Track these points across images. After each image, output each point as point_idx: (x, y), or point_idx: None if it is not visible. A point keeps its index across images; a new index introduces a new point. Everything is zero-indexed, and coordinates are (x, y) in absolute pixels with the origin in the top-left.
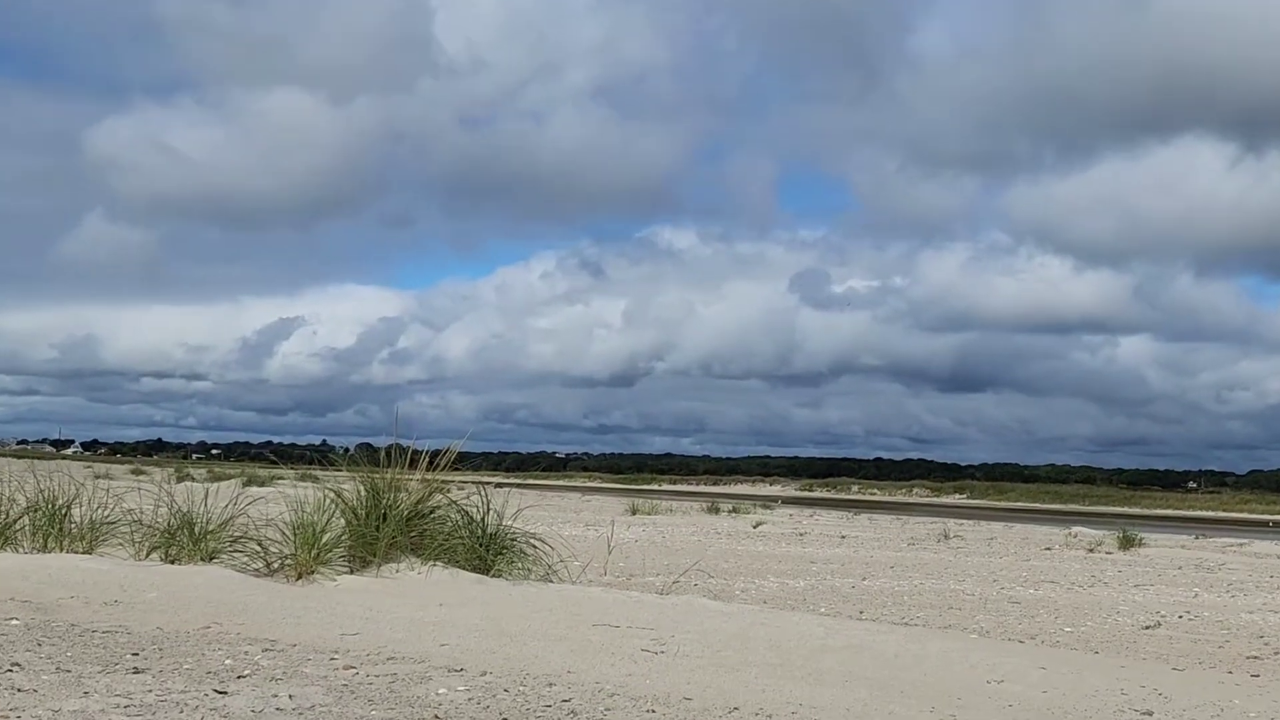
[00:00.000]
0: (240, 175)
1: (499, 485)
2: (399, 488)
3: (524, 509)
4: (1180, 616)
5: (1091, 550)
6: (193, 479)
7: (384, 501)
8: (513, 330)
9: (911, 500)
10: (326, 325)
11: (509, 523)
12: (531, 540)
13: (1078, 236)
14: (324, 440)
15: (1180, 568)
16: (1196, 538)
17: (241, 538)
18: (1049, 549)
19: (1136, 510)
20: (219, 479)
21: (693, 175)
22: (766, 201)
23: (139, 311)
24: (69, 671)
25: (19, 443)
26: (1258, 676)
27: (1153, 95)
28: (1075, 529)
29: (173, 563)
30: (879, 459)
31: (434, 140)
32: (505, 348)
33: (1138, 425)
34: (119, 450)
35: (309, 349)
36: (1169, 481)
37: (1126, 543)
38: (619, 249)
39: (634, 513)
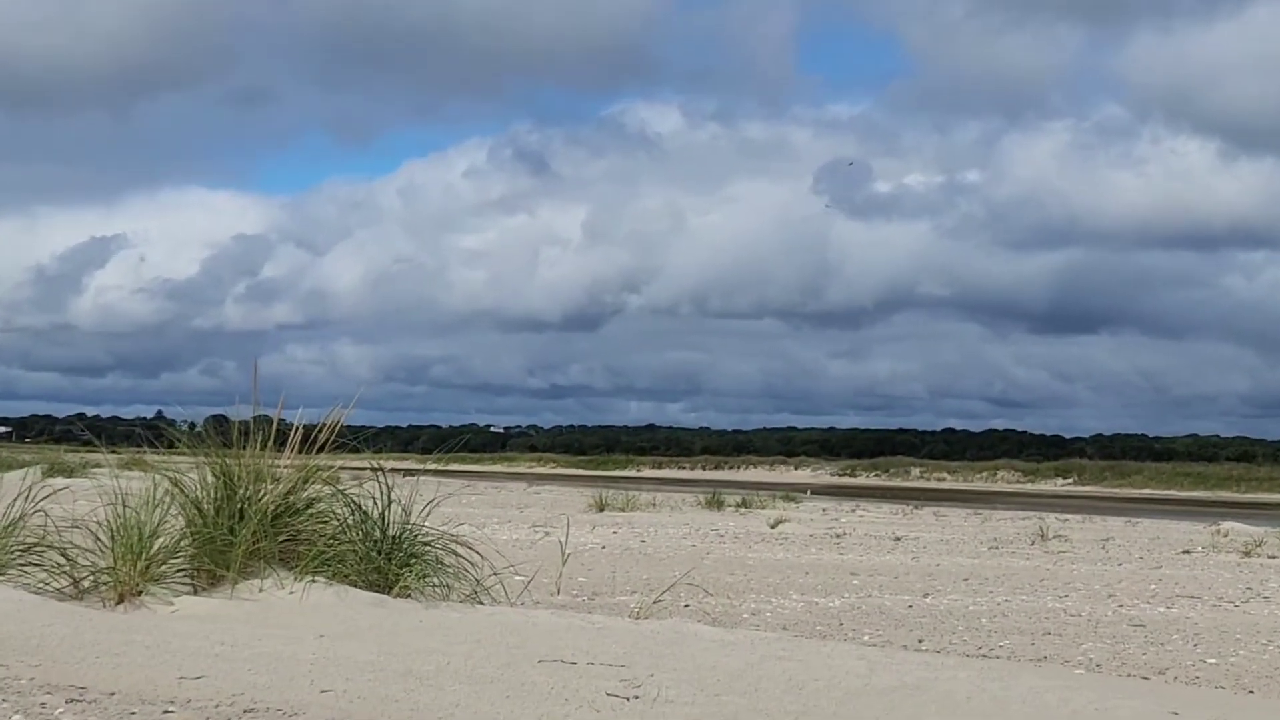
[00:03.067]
0: (28, 34)
1: (408, 473)
2: (264, 475)
3: (442, 502)
4: None
5: (1248, 553)
6: None
7: (242, 493)
8: (426, 252)
9: (995, 488)
10: (159, 247)
11: (420, 521)
12: (453, 546)
13: (1225, 110)
14: (159, 411)
15: None
16: None
17: (38, 546)
18: (1188, 552)
19: None
20: (8, 467)
21: (676, 27)
22: (782, 64)
23: None
24: None
25: None
26: None
27: None
28: (1225, 524)
29: None
30: (949, 430)
31: None
32: (415, 277)
33: None
34: None
35: (134, 281)
36: None
37: None
38: (573, 134)
39: (601, 509)
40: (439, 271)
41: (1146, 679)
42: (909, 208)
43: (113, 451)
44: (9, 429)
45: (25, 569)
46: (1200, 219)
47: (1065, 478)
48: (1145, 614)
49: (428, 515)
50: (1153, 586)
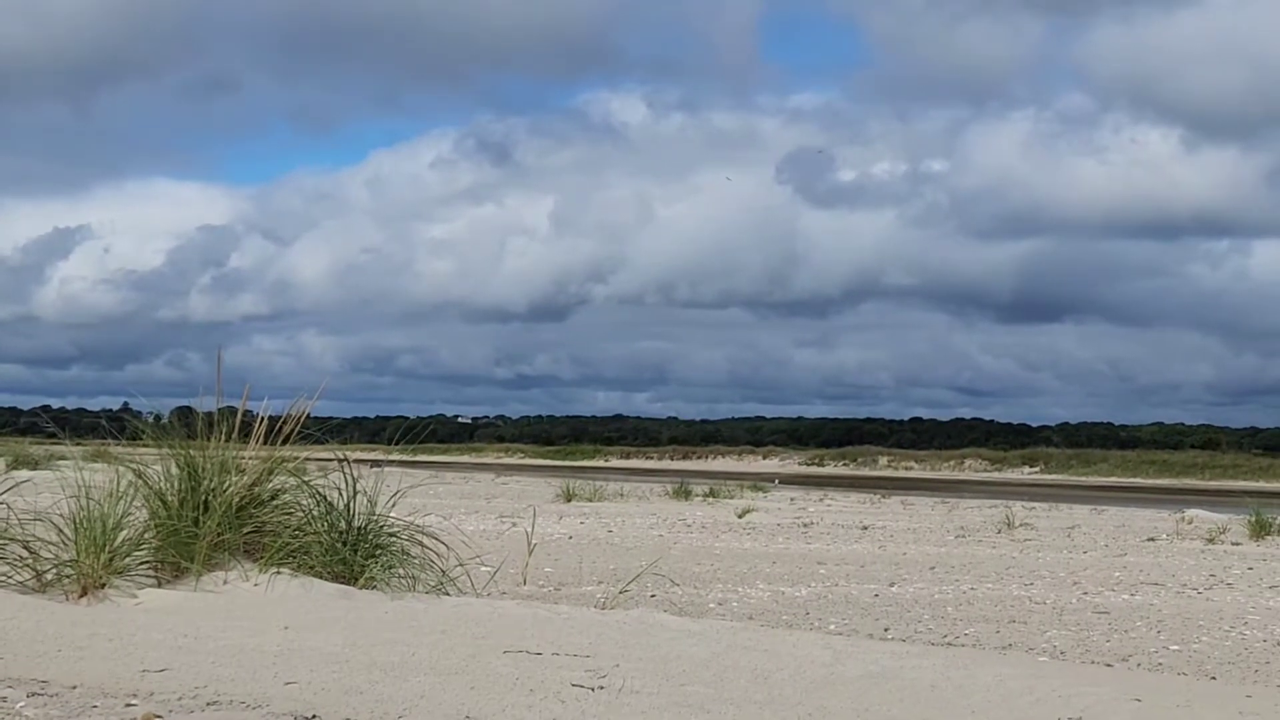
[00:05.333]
0: None
1: (375, 463)
2: (228, 466)
3: (409, 493)
4: None
5: (1212, 540)
6: None
7: (206, 485)
8: (392, 242)
9: (962, 476)
10: (124, 238)
11: (386, 512)
12: (419, 537)
13: (1189, 98)
14: (125, 403)
15: None
16: None
17: None
18: (1153, 539)
19: (1276, 485)
20: None
21: (637, 16)
22: (745, 53)
23: None
24: None
25: None
26: None
27: None
28: (1190, 512)
29: None
30: (916, 419)
31: None
32: (382, 267)
33: (1279, 367)
34: None
35: (98, 272)
36: None
37: (1261, 529)
38: (538, 124)
39: (568, 499)
40: (406, 262)
41: (1110, 666)
42: (874, 197)
43: (77, 443)
44: None
45: None
46: (1164, 208)
47: (1032, 466)
48: (1110, 601)
49: (394, 506)
50: (1117, 574)
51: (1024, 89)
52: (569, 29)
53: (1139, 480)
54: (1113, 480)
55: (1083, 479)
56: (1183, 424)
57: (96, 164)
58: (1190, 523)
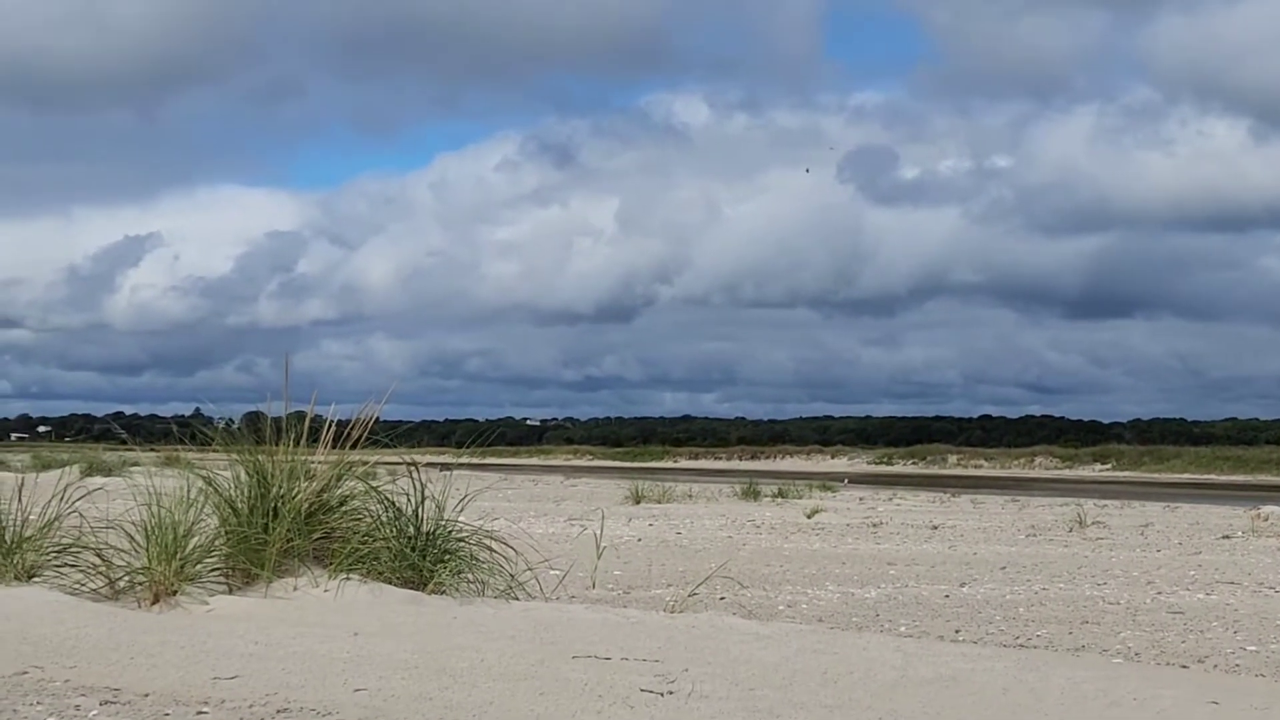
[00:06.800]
0: (51, 33)
1: (444, 467)
2: (297, 472)
3: (478, 496)
4: None
5: None
6: (9, 467)
7: (276, 491)
8: (458, 245)
9: (1033, 474)
10: (193, 245)
11: (455, 516)
12: (488, 541)
13: (1256, 88)
14: (196, 409)
15: None
16: None
17: (73, 546)
18: (1228, 537)
19: None
20: (46, 466)
21: (697, 14)
22: (807, 51)
23: None
24: None
25: None
26: None
27: None
28: (1266, 508)
29: None
30: (985, 417)
31: None
32: (449, 271)
33: None
34: None
35: (169, 279)
36: None
37: None
38: (601, 125)
39: (637, 500)
40: (472, 265)
41: (1186, 667)
42: (938, 194)
43: (150, 449)
44: (49, 428)
45: (61, 570)
46: (1233, 200)
47: (1103, 463)
48: (1184, 601)
49: (462, 510)
50: (1192, 573)
51: (1088, 83)
52: (629, 29)
53: (1213, 477)
54: (1186, 477)
55: (1155, 476)
56: (1257, 419)
57: (165, 171)
58: (1266, 519)
